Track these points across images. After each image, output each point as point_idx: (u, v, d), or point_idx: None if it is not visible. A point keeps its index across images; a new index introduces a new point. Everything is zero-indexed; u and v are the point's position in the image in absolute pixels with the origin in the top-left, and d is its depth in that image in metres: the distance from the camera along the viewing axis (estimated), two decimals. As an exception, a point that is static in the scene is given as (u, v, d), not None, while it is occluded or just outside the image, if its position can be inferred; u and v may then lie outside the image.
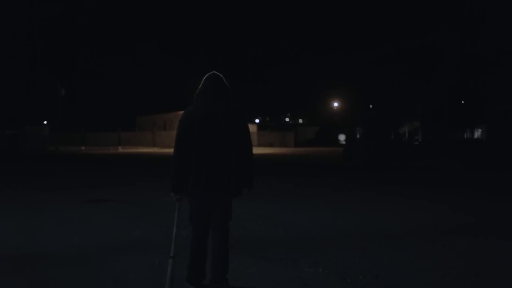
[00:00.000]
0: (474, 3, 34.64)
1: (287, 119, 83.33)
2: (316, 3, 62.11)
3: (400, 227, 7.03)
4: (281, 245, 5.80)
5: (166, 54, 61.84)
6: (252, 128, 51.52)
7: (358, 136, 60.76)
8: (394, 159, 21.70)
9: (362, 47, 53.37)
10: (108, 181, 13.52)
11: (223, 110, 3.89)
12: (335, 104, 65.48)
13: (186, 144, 3.83)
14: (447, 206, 9.00)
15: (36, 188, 11.63)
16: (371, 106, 60.70)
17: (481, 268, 4.93)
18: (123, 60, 59.62)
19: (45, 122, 55.14)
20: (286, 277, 4.60)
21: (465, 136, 48.46)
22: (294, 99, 66.63)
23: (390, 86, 50.24)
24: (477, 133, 50.06)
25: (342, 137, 60.74)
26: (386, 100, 53.34)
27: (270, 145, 46.63)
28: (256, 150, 36.35)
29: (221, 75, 4.04)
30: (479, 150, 22.63)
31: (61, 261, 5.11)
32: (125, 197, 9.92)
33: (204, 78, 4.06)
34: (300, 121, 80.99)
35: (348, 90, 58.86)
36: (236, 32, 67.83)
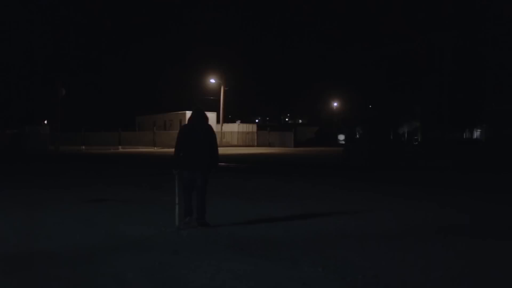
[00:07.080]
0: (474, 3, 34.66)
1: (286, 119, 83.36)
2: (316, 3, 62.15)
3: (399, 227, 7.04)
4: (281, 245, 5.81)
5: (166, 54, 61.90)
6: (251, 128, 51.80)
7: (357, 136, 60.86)
8: (394, 159, 21.70)
9: (362, 47, 53.33)
10: (108, 180, 13.51)
11: (202, 126, 6.95)
12: (335, 104, 65.55)
13: (181, 143, 6.87)
14: (446, 206, 9.00)
15: (36, 187, 11.63)
16: (370, 106, 60.77)
17: (480, 269, 4.94)
18: (124, 59, 59.66)
19: (45, 122, 55.15)
20: (286, 277, 4.61)
21: (464, 136, 48.46)
22: (294, 99, 66.64)
23: (389, 86, 50.26)
24: (476, 133, 50.08)
25: (341, 137, 60.74)
26: (386, 100, 53.38)
27: (270, 145, 46.55)
28: (255, 150, 36.56)
29: (202, 109, 7.15)
30: (478, 150, 22.63)
31: (61, 261, 5.12)
32: (125, 197, 9.91)
33: (193, 110, 7.14)
34: (300, 121, 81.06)
35: (348, 90, 58.94)
36: (236, 31, 67.84)
